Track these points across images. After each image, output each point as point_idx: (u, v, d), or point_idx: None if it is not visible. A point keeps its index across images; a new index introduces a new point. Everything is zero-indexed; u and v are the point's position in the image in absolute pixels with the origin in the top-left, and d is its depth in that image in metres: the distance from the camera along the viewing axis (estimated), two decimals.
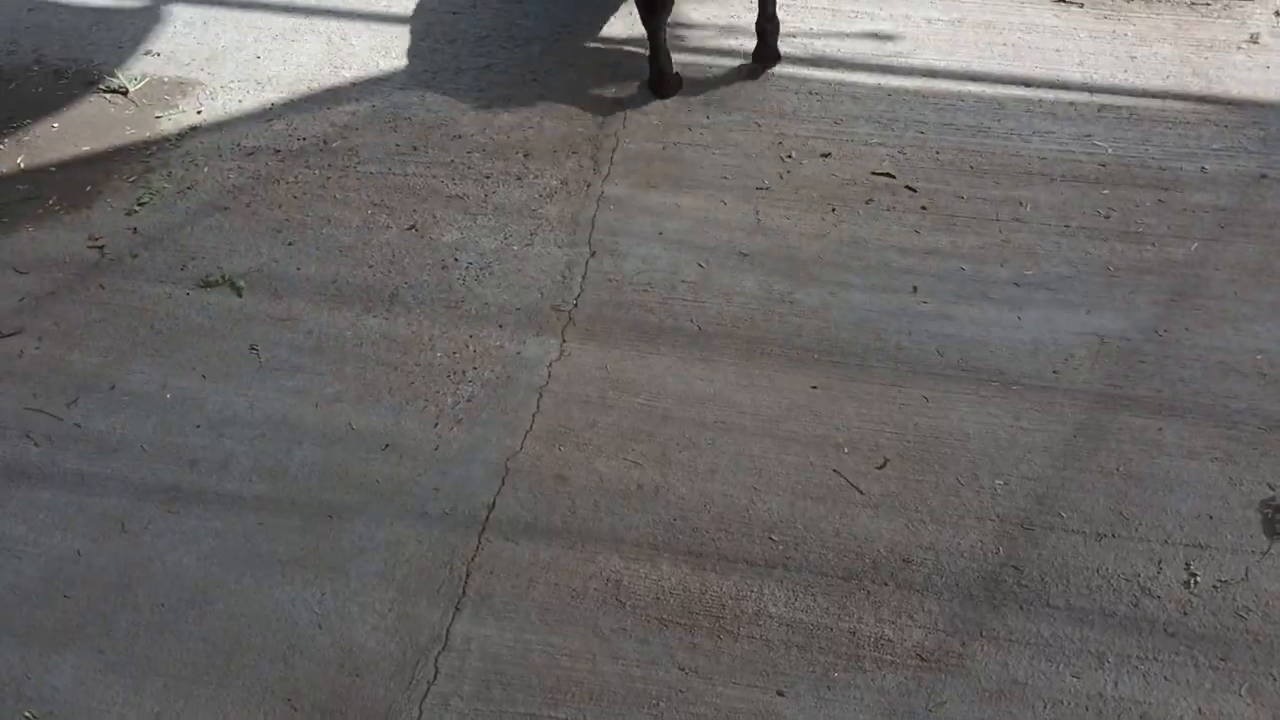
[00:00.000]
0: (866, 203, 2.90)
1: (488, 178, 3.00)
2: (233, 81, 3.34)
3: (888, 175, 2.97)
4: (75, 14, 3.62)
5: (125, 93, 3.28)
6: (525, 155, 3.08)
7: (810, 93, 3.27)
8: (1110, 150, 3.02)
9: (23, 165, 3.03)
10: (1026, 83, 3.26)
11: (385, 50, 3.47)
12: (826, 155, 3.05)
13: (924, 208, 2.87)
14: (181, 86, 3.33)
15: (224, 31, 3.55)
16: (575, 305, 2.63)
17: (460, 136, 3.14)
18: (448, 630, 2.03)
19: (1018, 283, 2.65)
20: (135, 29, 3.56)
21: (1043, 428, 2.34)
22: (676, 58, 3.40)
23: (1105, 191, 2.89)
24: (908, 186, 2.94)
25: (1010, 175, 2.95)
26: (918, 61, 3.37)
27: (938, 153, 3.04)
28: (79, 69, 3.38)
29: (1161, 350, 2.49)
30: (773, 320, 2.59)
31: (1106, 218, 2.82)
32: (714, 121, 3.18)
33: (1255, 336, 2.51)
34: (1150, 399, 2.39)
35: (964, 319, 2.57)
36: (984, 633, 2.02)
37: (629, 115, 3.21)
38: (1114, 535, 2.15)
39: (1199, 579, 2.09)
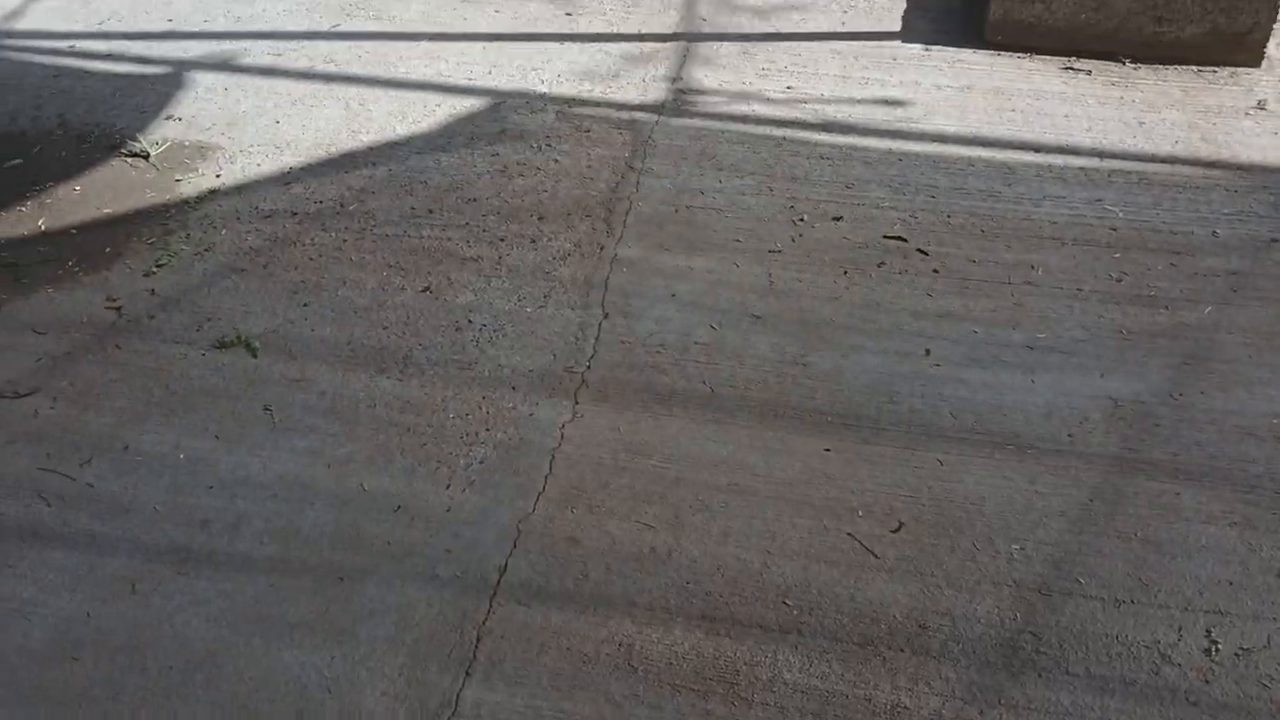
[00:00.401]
0: (879, 266, 2.91)
1: (502, 240, 3.03)
2: (252, 146, 3.40)
3: (900, 239, 2.99)
4: (100, 80, 3.70)
5: (147, 157, 3.33)
6: (539, 218, 3.11)
7: (822, 157, 3.31)
8: (1121, 215, 3.04)
9: (44, 227, 3.08)
10: (1036, 148, 3.29)
11: (402, 116, 3.53)
12: (838, 219, 3.07)
13: (936, 271, 2.88)
14: (202, 151, 3.38)
15: (244, 97, 3.62)
16: (588, 367, 2.63)
17: (475, 200, 3.18)
18: (458, 696, 2.00)
19: (1031, 346, 2.65)
20: (158, 95, 3.63)
21: (1059, 492, 2.32)
22: (688, 123, 3.45)
23: (1117, 255, 2.90)
24: (920, 250, 2.96)
25: (1022, 239, 2.97)
26: (928, 127, 3.41)
27: (949, 217, 3.06)
28: (102, 133, 3.45)
29: (1176, 414, 2.48)
30: (786, 383, 2.59)
31: (1119, 281, 2.82)
32: (726, 185, 3.21)
33: (1270, 400, 2.50)
34: (1166, 463, 2.37)
35: (977, 382, 2.57)
36: (1002, 701, 1.98)
37: (641, 179, 3.24)
38: (1133, 601, 2.12)
39: (1220, 646, 2.05)
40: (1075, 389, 2.54)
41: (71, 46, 3.87)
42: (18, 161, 3.32)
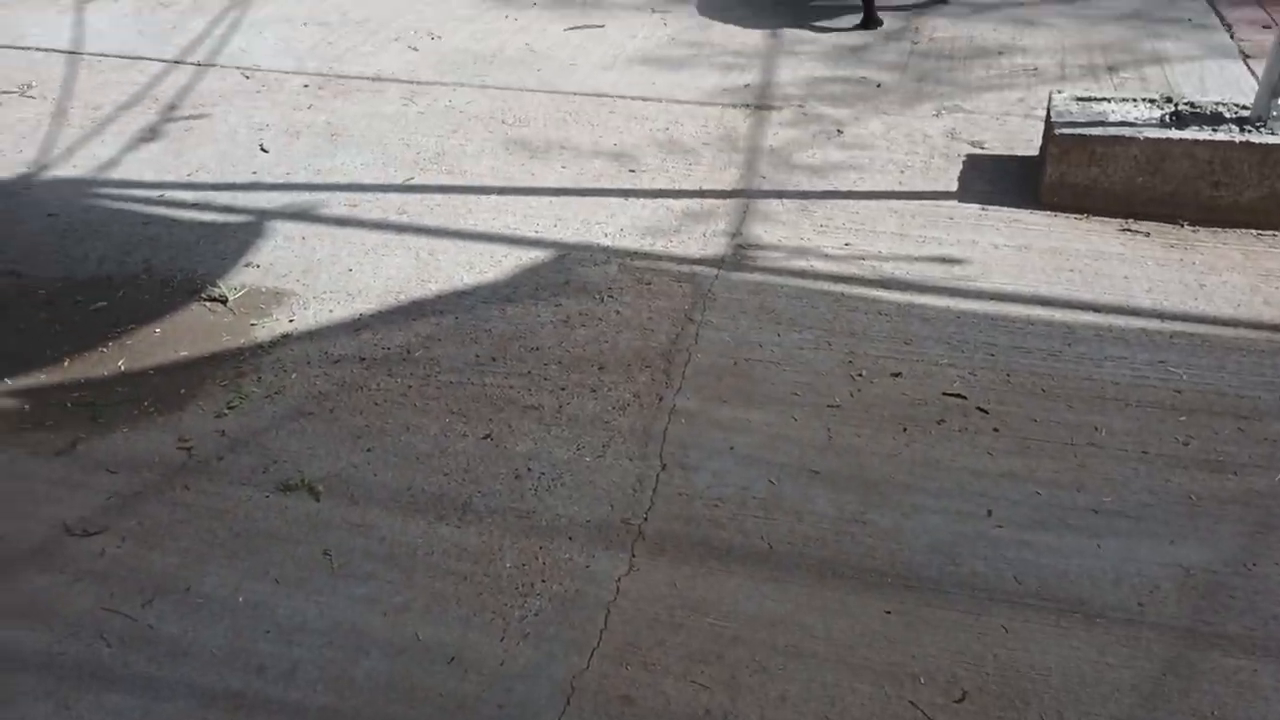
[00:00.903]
0: (938, 423, 2.90)
1: (563, 389, 3.08)
2: (325, 292, 3.52)
3: (959, 396, 2.99)
4: (185, 228, 3.88)
5: (225, 301, 3.47)
6: (600, 368, 3.16)
7: (880, 313, 3.35)
8: (1185, 377, 3.01)
9: (124, 368, 3.19)
10: (1096, 308, 3.30)
11: (470, 265, 3.65)
12: (897, 375, 3.08)
13: (997, 430, 2.87)
14: (277, 296, 3.51)
15: (320, 245, 3.77)
16: (645, 519, 2.63)
17: (538, 349, 3.25)
18: None
19: (1096, 510, 2.61)
20: (239, 242, 3.80)
21: (1129, 664, 2.24)
22: (747, 277, 3.52)
23: (1182, 418, 2.87)
24: (980, 408, 2.95)
25: (1084, 400, 2.95)
26: (986, 285, 3.44)
27: (1009, 375, 3.06)
28: (184, 278, 3.60)
29: (1251, 585, 2.40)
30: (845, 541, 2.56)
31: (1185, 445, 2.79)
32: (785, 339, 3.25)
33: None
34: (1242, 637, 2.29)
35: (1042, 546, 2.52)
36: None
37: (701, 331, 3.30)
38: None
39: None
40: (1144, 556, 2.48)
41: (161, 195, 4.08)
42: (103, 304, 3.47)
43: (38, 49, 5.30)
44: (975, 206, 3.88)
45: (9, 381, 3.14)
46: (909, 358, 3.15)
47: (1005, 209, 3.86)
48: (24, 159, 4.34)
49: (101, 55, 5.22)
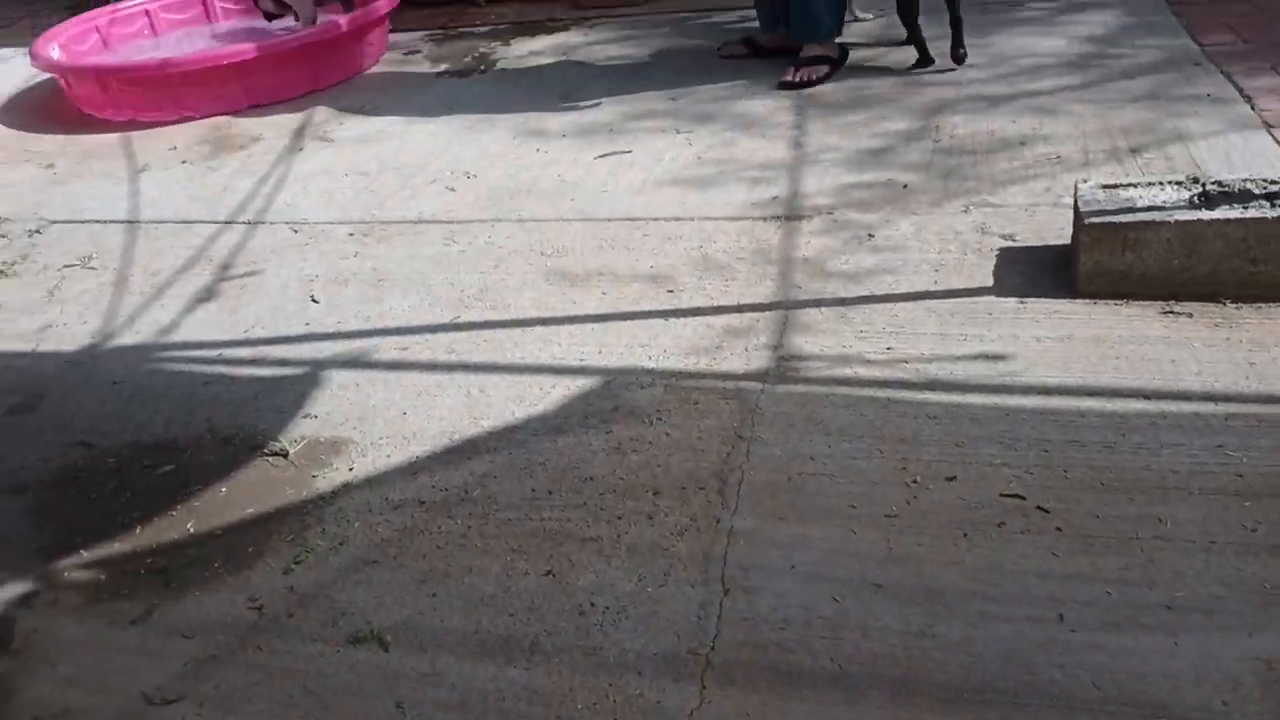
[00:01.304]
0: (999, 526, 2.89)
1: (619, 518, 3.11)
2: (381, 438, 3.61)
3: (1017, 496, 2.98)
4: (244, 384, 4.02)
5: (286, 455, 3.56)
6: (654, 493, 3.19)
7: (929, 416, 3.36)
8: (1245, 460, 2.98)
9: (192, 530, 3.28)
10: (1146, 395, 3.29)
11: (519, 399, 3.72)
12: (952, 479, 3.08)
13: (1059, 529, 2.85)
14: (336, 445, 3.60)
15: (374, 391, 3.88)
16: (712, 648, 2.63)
17: (592, 478, 3.29)
18: None
19: (1169, 606, 2.57)
20: (295, 394, 3.91)
21: None
22: (793, 389, 3.56)
23: (1247, 504, 2.83)
24: (1039, 507, 2.93)
25: (1144, 491, 2.92)
26: (1033, 380, 3.45)
27: (1065, 471, 3.05)
28: (246, 435, 3.71)
29: None
30: (915, 656, 2.53)
31: (1253, 531, 2.74)
32: (835, 450, 3.27)
33: None
34: None
35: (1116, 648, 2.48)
36: None
37: (751, 448, 3.33)
38: None
39: None
40: (1222, 651, 2.43)
41: (220, 354, 4.23)
42: (170, 468, 3.58)
43: (97, 221, 5.58)
44: (1013, 300, 3.91)
45: (84, 553, 3.24)
46: (962, 460, 3.15)
47: (1043, 300, 3.88)
48: (89, 329, 4.53)
49: (157, 222, 5.47)
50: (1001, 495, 2.99)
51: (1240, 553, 2.68)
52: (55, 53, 7.41)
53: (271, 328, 4.39)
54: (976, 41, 6.42)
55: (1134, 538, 2.78)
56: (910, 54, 6.23)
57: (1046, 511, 2.91)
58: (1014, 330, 3.72)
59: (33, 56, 7.27)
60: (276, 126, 6.31)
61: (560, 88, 6.73)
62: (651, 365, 3.84)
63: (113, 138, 6.76)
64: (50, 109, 7.40)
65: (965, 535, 2.87)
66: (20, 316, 4.72)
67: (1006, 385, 3.45)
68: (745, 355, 3.82)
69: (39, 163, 6.51)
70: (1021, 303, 3.89)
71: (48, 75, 7.52)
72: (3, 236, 5.52)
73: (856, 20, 7.05)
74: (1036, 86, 5.75)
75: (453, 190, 5.41)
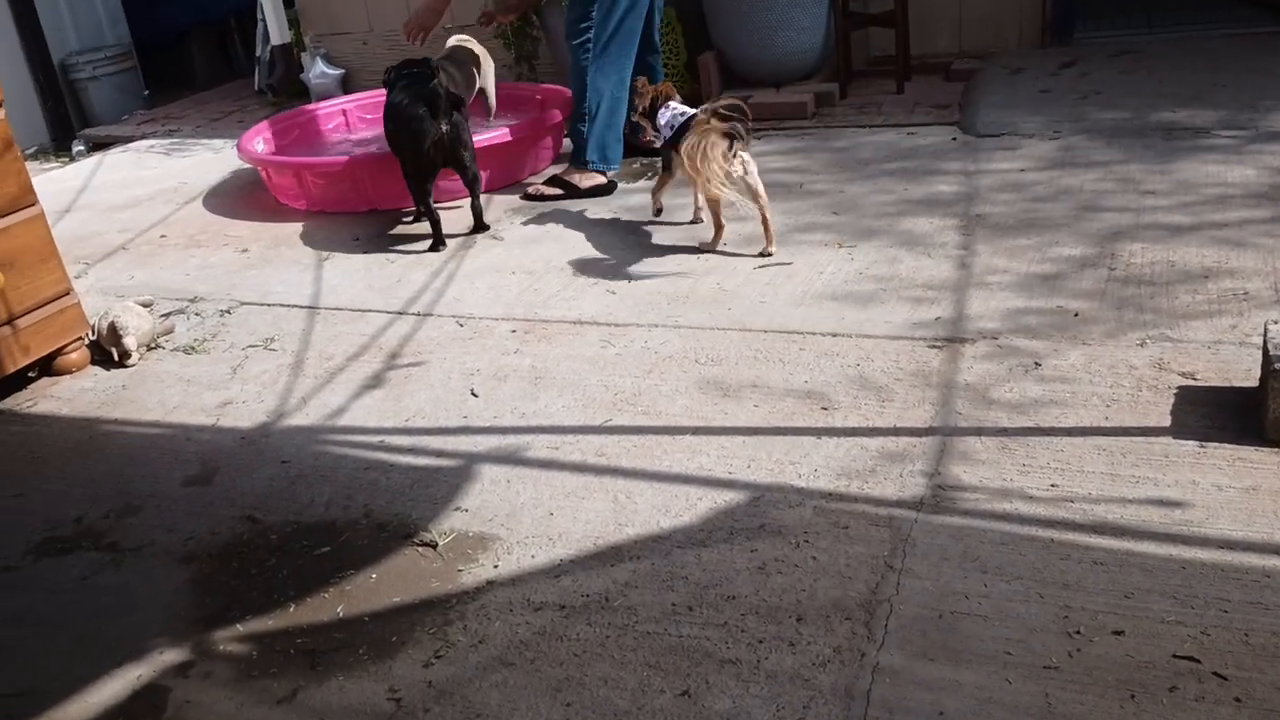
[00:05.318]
0: (1170, 690, 2.68)
1: (760, 642, 3.03)
2: (528, 537, 3.65)
3: (1192, 659, 2.77)
4: (401, 472, 4.14)
5: (435, 546, 3.64)
6: (798, 619, 3.11)
7: (1095, 562, 3.18)
8: None
9: (341, 614, 3.36)
10: None
11: (665, 509, 3.71)
12: (1119, 633, 2.89)
13: (1239, 700, 2.62)
14: (483, 541, 3.66)
15: (524, 489, 3.93)
16: None
17: (734, 597, 3.23)
18: None
19: None
20: (449, 486, 4.01)
21: None
22: (948, 521, 3.42)
23: None
24: (1216, 673, 2.71)
25: None
26: (1212, 532, 3.23)
27: (1247, 635, 2.82)
28: (399, 523, 3.81)
29: None
30: None
31: None
32: (992, 590, 3.12)
33: None
34: None
35: None
36: None
37: (902, 580, 3.21)
38: None
39: None
40: None
41: (381, 441, 4.38)
42: (326, 549, 3.70)
43: (281, 305, 5.92)
44: (1192, 443, 3.69)
45: (240, 627, 3.36)
46: (1131, 613, 2.95)
47: (1226, 446, 3.65)
48: (265, 408, 4.78)
49: (336, 309, 5.77)
50: (1174, 656, 2.79)
51: None
52: (259, 146, 7.99)
53: (432, 418, 4.53)
54: (1158, 168, 6.22)
55: None
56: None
57: (1224, 679, 2.69)
58: (1192, 476, 3.50)
59: (239, 150, 7.86)
60: (450, 223, 6.60)
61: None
62: (801, 484, 3.78)
63: (303, 225, 7.21)
64: (251, 197, 7.97)
65: (1133, 697, 2.68)
66: (205, 391, 5.02)
67: (1183, 535, 3.23)
68: (899, 481, 3.71)
69: (236, 247, 6.99)
70: (1201, 446, 3.67)
71: (250, 166, 8.11)
72: (198, 315, 5.92)
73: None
74: (1222, 217, 5.50)
75: (613, 294, 5.52)
